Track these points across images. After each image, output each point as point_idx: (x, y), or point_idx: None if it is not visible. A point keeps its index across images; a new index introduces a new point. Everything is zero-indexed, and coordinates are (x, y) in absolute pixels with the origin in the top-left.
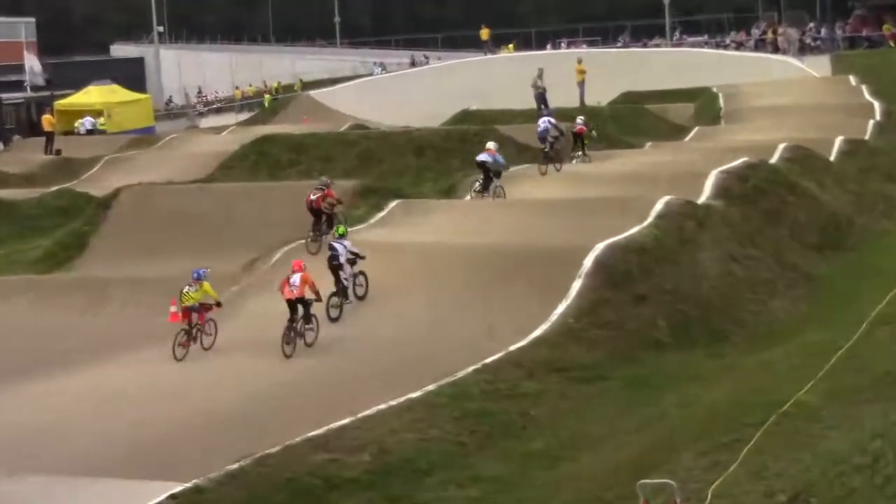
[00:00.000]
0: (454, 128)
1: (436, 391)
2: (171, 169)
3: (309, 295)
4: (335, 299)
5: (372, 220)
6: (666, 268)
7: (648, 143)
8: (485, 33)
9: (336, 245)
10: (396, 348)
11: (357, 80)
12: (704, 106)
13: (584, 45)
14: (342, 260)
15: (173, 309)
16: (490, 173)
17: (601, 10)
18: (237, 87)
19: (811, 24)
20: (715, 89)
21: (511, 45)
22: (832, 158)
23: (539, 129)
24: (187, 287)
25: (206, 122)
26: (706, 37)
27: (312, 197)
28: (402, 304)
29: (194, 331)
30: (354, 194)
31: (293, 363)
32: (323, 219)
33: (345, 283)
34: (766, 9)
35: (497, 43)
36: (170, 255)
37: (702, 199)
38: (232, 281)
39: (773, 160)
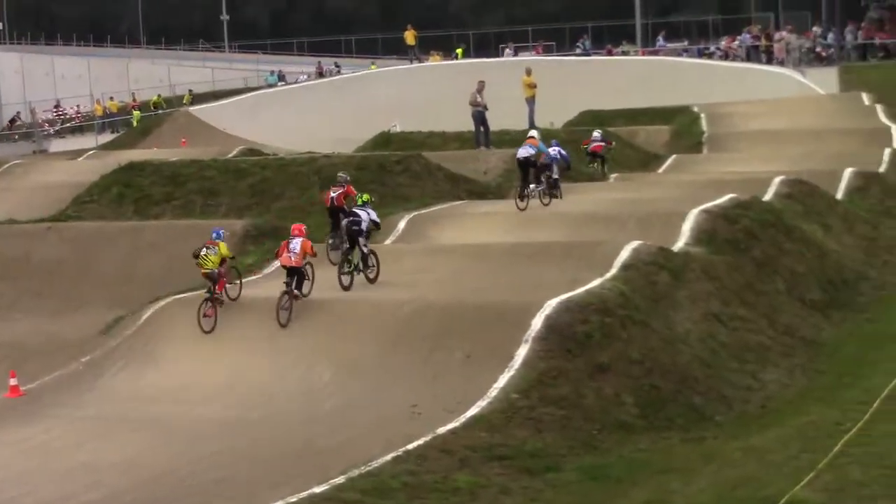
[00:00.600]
0: (372, 154)
1: (345, 485)
2: (13, 204)
3: (306, 262)
4: (347, 266)
5: (268, 270)
6: (634, 331)
7: (613, 175)
8: (410, 36)
9: (359, 211)
10: (299, 429)
11: (250, 94)
12: (683, 129)
13: (535, 52)
14: (364, 226)
15: (13, 382)
16: (535, 171)
17: (555, 7)
18: (97, 101)
19: (816, 29)
20: (696, 108)
21: (460, 50)
22: (840, 196)
23: (549, 156)
24: (205, 250)
25: (57, 146)
26: (686, 42)
27: (333, 194)
28: (307, 375)
29: (217, 294)
30: (245, 237)
31: (171, 446)
32: (342, 220)
33: (363, 249)
34: (761, 9)
35: (425, 48)
36: (6, 313)
37: (678, 245)
38: (82, 348)
39: (768, 197)
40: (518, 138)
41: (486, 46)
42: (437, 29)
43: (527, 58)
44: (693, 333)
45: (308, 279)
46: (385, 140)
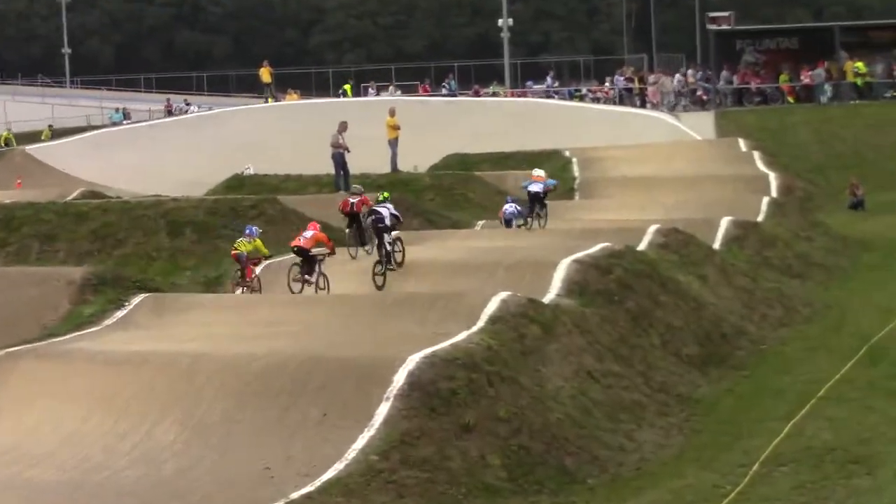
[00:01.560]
0: (224, 198)
1: None
2: None
3: (317, 250)
4: (379, 267)
5: (109, 321)
6: (502, 388)
7: (480, 222)
8: (265, 73)
9: (380, 209)
10: (140, 494)
11: (92, 133)
12: (554, 174)
13: (398, 92)
14: (388, 222)
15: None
16: (538, 204)
17: (419, 45)
18: None
19: (690, 71)
20: (568, 153)
21: (348, 87)
22: (717, 245)
23: (507, 211)
24: (240, 238)
25: None
26: (556, 84)
27: (353, 200)
28: (150, 435)
29: (246, 281)
30: (84, 286)
31: None
32: (354, 226)
33: (388, 247)
34: (633, 50)
35: (282, 86)
36: None
37: (549, 297)
38: None
39: (642, 246)
40: (377, 183)
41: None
42: (294, 65)
43: (389, 98)
44: (564, 390)
45: (310, 281)
46: (238, 183)
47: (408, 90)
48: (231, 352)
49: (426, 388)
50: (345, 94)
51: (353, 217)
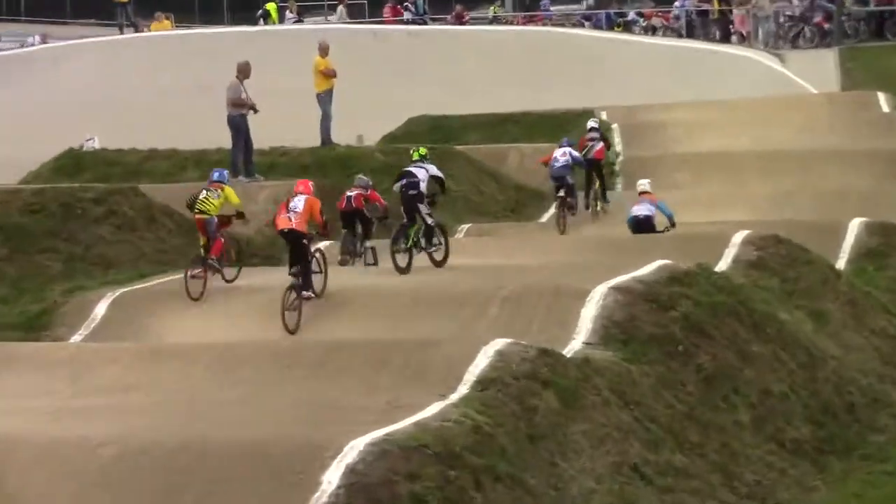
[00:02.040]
0: (51, 187)
1: None
2: None
3: (311, 231)
4: (404, 242)
5: None
6: (497, 493)
7: (464, 227)
8: None
9: (414, 170)
10: None
11: None
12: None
13: (334, 15)
14: (423, 187)
15: None
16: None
17: None
18: None
19: None
20: (605, 115)
21: (272, 5)
22: (842, 264)
23: (556, 165)
24: (205, 192)
25: None
26: (588, 2)
27: (350, 194)
28: None
29: (211, 259)
30: None
31: None
32: (358, 227)
33: (428, 220)
34: None
35: (147, 7)
36: None
37: (574, 346)
38: None
39: (724, 265)
40: (303, 162)
41: (250, 5)
42: None
43: (316, 27)
44: (597, 497)
45: (320, 270)
46: (74, 163)
47: (354, 13)
48: (63, 434)
49: (375, 493)
50: (267, 17)
51: (350, 217)
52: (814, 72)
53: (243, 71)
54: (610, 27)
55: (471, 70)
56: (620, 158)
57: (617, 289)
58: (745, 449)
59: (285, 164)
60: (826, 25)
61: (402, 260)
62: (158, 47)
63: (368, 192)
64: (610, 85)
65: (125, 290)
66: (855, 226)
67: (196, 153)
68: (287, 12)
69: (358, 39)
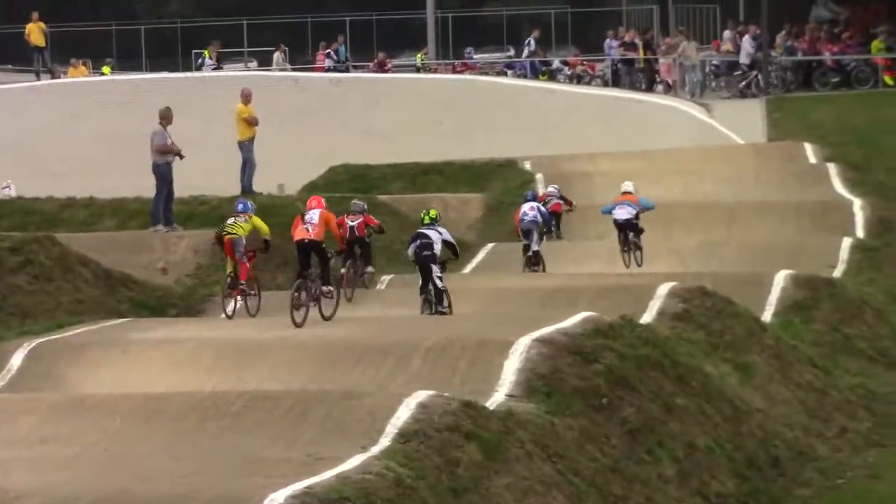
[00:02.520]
0: None
1: None
2: None
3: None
4: (428, 309)
5: None
6: None
7: (386, 278)
8: (34, 32)
9: (428, 231)
10: None
11: None
12: (506, 199)
13: (254, 63)
14: (437, 249)
15: None
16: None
17: None
18: None
19: (727, 33)
20: (529, 165)
21: (106, 68)
22: (768, 316)
23: (525, 220)
24: (232, 219)
25: None
26: (511, 52)
27: (352, 223)
28: None
29: (241, 283)
30: None
31: None
32: (358, 252)
33: (438, 283)
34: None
35: (64, 52)
36: None
37: (497, 399)
38: None
39: (649, 317)
40: (224, 211)
41: (170, 50)
42: (85, 21)
43: (241, 73)
44: None
45: (331, 293)
46: None
47: (266, 61)
48: None
49: None
50: (204, 62)
51: (351, 245)
52: (740, 122)
53: (166, 117)
54: (535, 76)
55: (393, 118)
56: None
57: (541, 341)
58: (670, 503)
59: (204, 214)
60: (752, 76)
61: (424, 309)
62: (75, 94)
63: (364, 217)
64: (534, 134)
65: (42, 340)
66: (781, 278)
67: (114, 202)
68: (207, 59)
69: (279, 87)
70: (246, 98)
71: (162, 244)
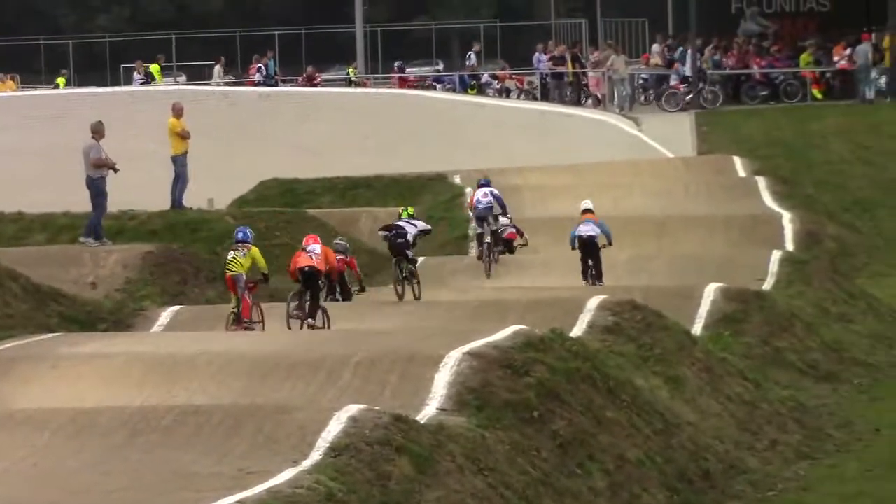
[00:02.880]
0: None
1: None
2: None
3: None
4: (401, 273)
5: None
6: None
7: None
8: None
9: (403, 224)
10: None
11: None
12: (436, 212)
13: (182, 77)
14: (410, 238)
15: None
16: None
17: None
18: None
19: (656, 47)
20: (458, 179)
21: (61, 80)
22: (698, 329)
23: (479, 206)
24: (232, 252)
25: None
26: (441, 66)
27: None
28: None
29: (245, 321)
30: None
31: None
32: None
33: (410, 266)
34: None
35: None
36: None
37: (427, 412)
38: None
39: (579, 330)
40: (153, 227)
41: (97, 65)
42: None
43: (171, 87)
44: None
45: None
46: None
47: (197, 74)
48: None
49: None
50: (150, 78)
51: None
52: (669, 135)
53: (98, 131)
54: (464, 90)
55: (323, 133)
56: (473, 224)
57: (471, 354)
58: None
59: (134, 229)
60: (681, 89)
61: (401, 289)
62: (3, 109)
63: (349, 259)
64: (464, 148)
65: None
66: (711, 291)
67: (43, 216)
68: (135, 73)
69: (209, 101)
70: (178, 112)
71: (91, 259)
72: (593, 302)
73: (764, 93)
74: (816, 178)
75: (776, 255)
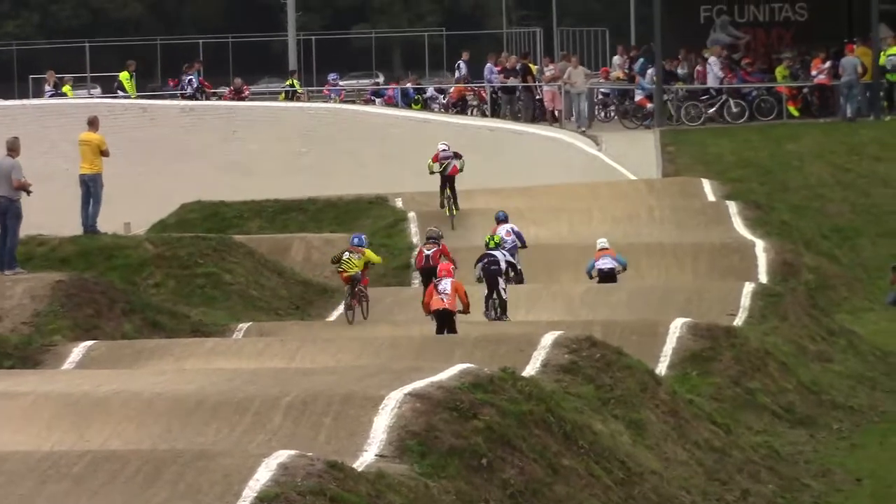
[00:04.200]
0: None
1: None
2: None
3: (458, 307)
4: (494, 313)
5: None
6: None
7: (242, 326)
8: None
9: (494, 252)
10: None
11: None
12: (375, 239)
13: (96, 90)
14: (503, 266)
15: None
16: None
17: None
18: None
19: (617, 59)
20: (400, 202)
21: (67, 88)
22: (663, 369)
23: (506, 246)
24: (347, 254)
25: None
26: (380, 79)
27: (428, 252)
28: None
29: (359, 291)
30: None
31: None
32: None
33: (503, 294)
34: (519, 20)
35: None
36: None
37: (365, 459)
38: None
39: (532, 369)
40: (64, 253)
41: (4, 76)
42: None
43: (83, 100)
44: None
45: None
46: None
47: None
48: None
49: None
50: (121, 88)
51: (429, 274)
52: (632, 156)
53: (15, 148)
54: (407, 104)
55: (251, 151)
56: (416, 252)
57: (414, 395)
58: None
59: (43, 255)
60: (645, 105)
61: (489, 314)
62: None
63: (441, 246)
64: (406, 169)
65: None
66: (677, 327)
67: None
68: (45, 85)
69: (126, 115)
70: (94, 126)
71: None
72: (548, 338)
73: (736, 109)
74: (793, 203)
75: (748, 288)
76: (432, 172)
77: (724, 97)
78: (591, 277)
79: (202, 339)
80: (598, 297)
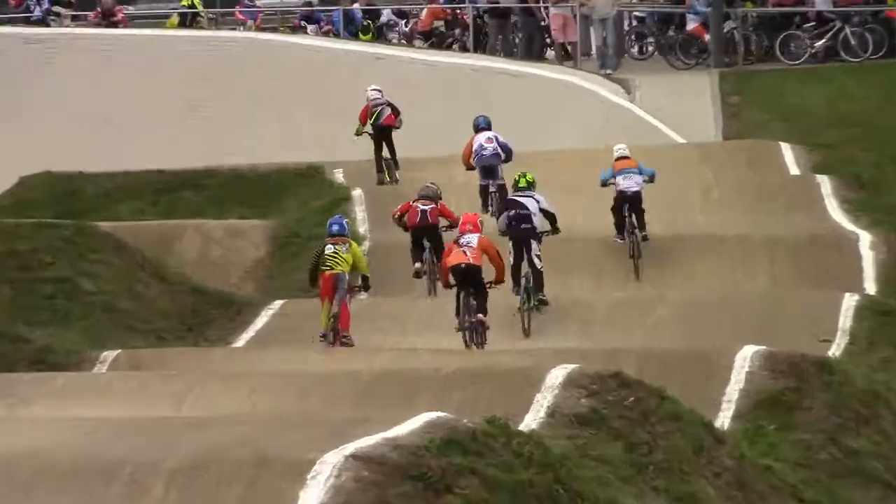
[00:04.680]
0: None
1: None
2: None
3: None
4: (527, 303)
5: None
6: None
7: (108, 354)
8: None
9: (523, 199)
10: None
11: None
12: (305, 227)
13: None
14: (535, 221)
15: None
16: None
17: None
18: None
19: None
20: (340, 174)
21: None
22: (725, 421)
23: (484, 154)
24: (332, 246)
25: None
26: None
27: (424, 208)
28: None
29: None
30: None
31: None
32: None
33: (537, 262)
34: None
35: None
36: None
37: None
38: None
39: (534, 419)
40: None
41: None
42: None
43: None
44: None
45: (486, 325)
46: None
47: None
48: None
49: None
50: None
51: (420, 234)
52: (677, 109)
53: None
54: (352, 34)
55: (125, 98)
56: (366, 245)
57: (359, 458)
58: None
59: None
60: (698, 39)
61: (526, 320)
62: None
63: (439, 206)
64: (351, 127)
65: None
66: (746, 358)
67: None
68: None
69: None
70: None
71: None
72: (556, 374)
73: (821, 43)
74: None
75: (850, 301)
76: (359, 133)
77: (836, 24)
78: (603, 186)
79: (49, 374)
80: (632, 311)
